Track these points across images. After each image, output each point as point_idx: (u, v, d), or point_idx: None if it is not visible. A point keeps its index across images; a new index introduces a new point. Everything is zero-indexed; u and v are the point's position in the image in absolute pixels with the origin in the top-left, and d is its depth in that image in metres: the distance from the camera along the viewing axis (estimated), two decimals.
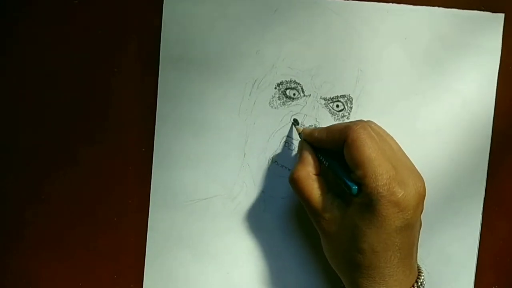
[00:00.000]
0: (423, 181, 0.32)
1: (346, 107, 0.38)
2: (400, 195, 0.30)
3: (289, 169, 0.38)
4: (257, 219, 0.38)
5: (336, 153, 0.33)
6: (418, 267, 0.34)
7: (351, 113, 0.38)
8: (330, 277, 0.38)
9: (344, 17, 0.37)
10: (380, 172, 0.30)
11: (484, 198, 0.39)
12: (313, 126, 0.38)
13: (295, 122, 0.38)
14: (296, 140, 0.38)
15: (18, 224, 0.39)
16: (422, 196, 0.31)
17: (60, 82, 0.38)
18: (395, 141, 0.34)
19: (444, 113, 0.38)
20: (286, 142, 0.38)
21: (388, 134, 0.34)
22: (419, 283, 0.33)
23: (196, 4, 0.37)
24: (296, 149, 0.38)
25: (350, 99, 0.38)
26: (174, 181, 0.38)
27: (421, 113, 0.38)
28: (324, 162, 0.34)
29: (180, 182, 0.38)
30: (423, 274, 0.34)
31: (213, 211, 0.38)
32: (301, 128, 0.37)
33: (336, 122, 0.38)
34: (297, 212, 0.38)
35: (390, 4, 0.37)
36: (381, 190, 0.30)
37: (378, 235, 0.30)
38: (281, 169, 0.38)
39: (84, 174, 0.39)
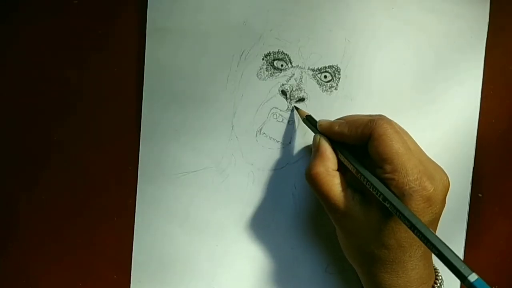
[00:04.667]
0: (446, 174, 0.31)
1: (334, 77, 0.38)
2: (432, 189, 0.29)
3: (277, 141, 0.38)
4: (245, 191, 0.38)
5: (354, 147, 0.32)
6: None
7: (339, 84, 0.38)
8: (320, 253, 0.39)
9: None
10: (410, 166, 0.29)
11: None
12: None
13: (283, 94, 0.38)
14: (284, 112, 0.38)
15: (18, 225, 0.39)
16: (447, 190, 0.31)
17: (60, 82, 0.38)
18: (412, 138, 0.33)
19: (433, 85, 0.38)
20: (274, 113, 0.38)
21: (406, 131, 0.33)
22: (439, 283, 0.33)
23: None
24: (284, 120, 0.38)
25: (338, 70, 0.38)
26: (162, 155, 0.38)
27: (408, 80, 0.38)
28: (347, 159, 0.32)
29: (168, 155, 0.38)
30: (440, 273, 0.33)
31: (201, 184, 0.38)
32: (305, 113, 0.36)
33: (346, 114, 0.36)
34: (286, 185, 0.38)
35: None
36: (413, 185, 0.29)
37: (407, 231, 0.29)
38: (269, 141, 0.38)
39: (84, 174, 0.38)
